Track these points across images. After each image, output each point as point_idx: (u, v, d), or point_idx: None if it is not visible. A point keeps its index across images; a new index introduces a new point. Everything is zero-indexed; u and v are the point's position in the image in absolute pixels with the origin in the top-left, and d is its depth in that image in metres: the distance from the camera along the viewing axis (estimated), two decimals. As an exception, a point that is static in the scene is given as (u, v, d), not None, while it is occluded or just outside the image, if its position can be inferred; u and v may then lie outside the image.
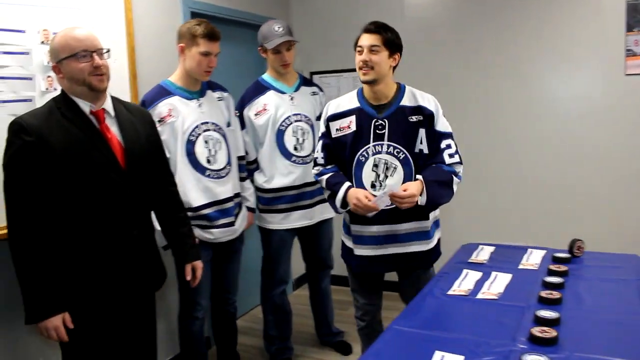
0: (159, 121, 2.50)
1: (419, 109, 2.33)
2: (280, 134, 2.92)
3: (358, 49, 2.32)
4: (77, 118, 1.91)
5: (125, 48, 2.84)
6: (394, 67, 2.37)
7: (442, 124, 2.35)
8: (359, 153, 2.34)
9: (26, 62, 2.31)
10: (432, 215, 2.44)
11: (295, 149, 2.95)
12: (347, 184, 2.37)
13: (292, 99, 2.97)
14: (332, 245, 3.25)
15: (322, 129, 2.49)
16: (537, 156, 3.83)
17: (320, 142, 2.49)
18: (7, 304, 2.25)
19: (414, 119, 2.32)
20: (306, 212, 3.03)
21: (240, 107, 2.94)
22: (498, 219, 3.98)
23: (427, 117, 2.33)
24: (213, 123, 2.67)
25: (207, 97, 2.71)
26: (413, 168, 2.33)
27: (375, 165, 2.33)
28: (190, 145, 2.58)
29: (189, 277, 2.25)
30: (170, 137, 2.55)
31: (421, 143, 2.33)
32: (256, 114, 2.92)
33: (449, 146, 2.34)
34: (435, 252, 2.52)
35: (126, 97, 2.78)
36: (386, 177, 2.33)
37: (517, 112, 3.86)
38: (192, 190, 2.59)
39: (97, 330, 1.99)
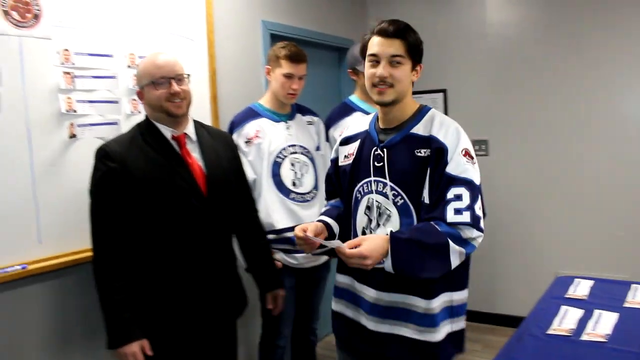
0: (246, 142, 2.49)
1: (428, 141, 1.69)
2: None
3: (371, 57, 1.72)
4: (159, 143, 1.92)
5: (207, 70, 2.85)
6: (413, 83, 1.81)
7: (456, 165, 1.65)
8: (355, 189, 1.84)
9: (113, 85, 2.34)
10: (447, 298, 1.75)
11: None
12: (322, 217, 1.92)
13: None
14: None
15: (332, 154, 2.04)
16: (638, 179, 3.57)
17: (327, 171, 2.09)
18: (92, 323, 2.24)
19: (421, 153, 1.69)
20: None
21: (326, 127, 2.88)
22: (593, 247, 3.73)
23: (436, 152, 1.66)
24: (301, 146, 2.62)
25: (296, 120, 2.67)
26: (415, 221, 1.70)
27: (368, 208, 1.78)
28: (276, 167, 2.54)
29: (270, 306, 2.20)
30: (257, 158, 2.52)
31: (426, 188, 1.70)
32: (340, 135, 2.85)
33: (458, 197, 1.63)
34: (444, 350, 1.75)
35: (207, 119, 2.79)
36: (378, 225, 1.75)
37: (607, 131, 3.63)
38: (277, 211, 2.52)
39: (178, 358, 1.95)
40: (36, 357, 2.11)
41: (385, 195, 1.73)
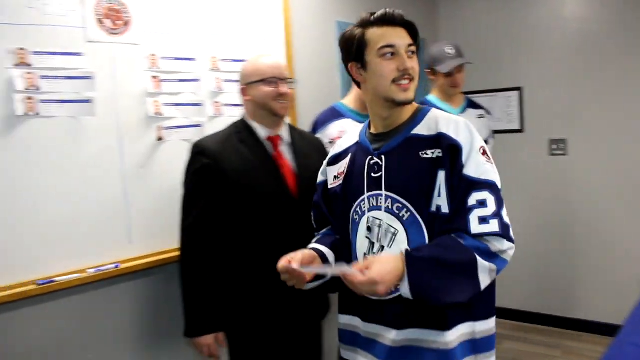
0: (330, 142, 2.49)
1: (437, 140, 1.44)
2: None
3: (386, 49, 1.46)
4: (253, 143, 1.95)
5: (284, 73, 2.87)
6: None
7: (476, 166, 1.40)
8: (352, 210, 1.55)
9: (197, 88, 2.39)
10: (467, 329, 1.45)
11: None
12: (313, 245, 1.64)
13: None
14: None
15: (319, 177, 1.75)
16: None
17: (314, 198, 1.77)
18: (180, 320, 2.30)
19: (428, 154, 1.43)
20: None
21: None
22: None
23: (449, 151, 1.41)
24: None
25: None
26: (426, 237, 1.42)
27: (369, 229, 1.50)
28: None
29: None
30: None
31: (439, 195, 1.41)
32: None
33: (482, 204, 1.37)
34: None
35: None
36: (382, 248, 1.47)
37: None
38: None
39: (263, 356, 1.97)
40: (129, 348, 2.20)
41: (388, 211, 1.46)
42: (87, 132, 2.05)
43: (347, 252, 1.58)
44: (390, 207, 1.45)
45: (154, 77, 2.24)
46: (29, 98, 1.91)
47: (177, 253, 1.96)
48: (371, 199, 1.49)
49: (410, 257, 1.33)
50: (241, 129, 1.98)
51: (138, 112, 2.20)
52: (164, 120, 2.27)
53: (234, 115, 2.46)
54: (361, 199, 1.51)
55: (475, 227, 1.36)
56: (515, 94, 4.08)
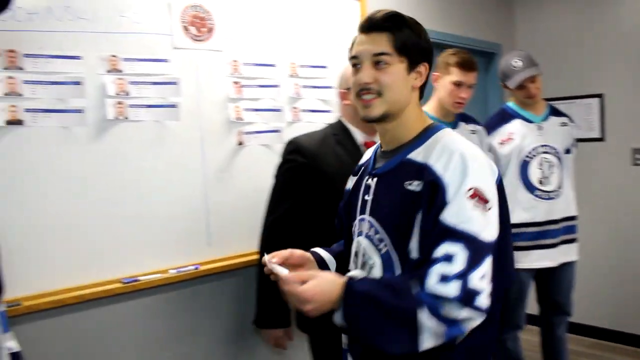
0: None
1: (421, 170, 1.22)
2: (524, 165, 2.71)
3: (353, 61, 1.32)
4: (350, 147, 1.93)
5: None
6: (422, 89, 1.34)
7: (457, 211, 1.15)
8: (352, 228, 1.43)
9: (276, 94, 2.41)
10: None
11: (540, 182, 2.71)
12: (316, 249, 1.51)
13: (539, 129, 2.75)
14: (573, 290, 2.91)
15: (347, 184, 1.53)
16: None
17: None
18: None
19: (412, 186, 1.23)
20: (548, 252, 2.74)
21: None
22: None
23: (430, 188, 1.19)
24: None
25: (460, 129, 2.58)
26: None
27: (356, 254, 1.38)
28: None
29: None
30: None
31: (413, 236, 1.22)
32: (500, 143, 2.76)
33: (448, 259, 1.13)
34: None
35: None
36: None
37: None
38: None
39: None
40: (205, 348, 2.25)
41: (370, 239, 1.31)
42: (171, 135, 2.11)
43: (347, 270, 1.43)
44: (372, 236, 1.31)
45: (236, 82, 2.28)
46: (119, 103, 1.98)
47: (256, 256, 1.98)
48: (361, 222, 1.35)
49: (350, 288, 1.16)
50: (338, 130, 1.97)
51: (220, 117, 2.24)
52: (245, 125, 2.31)
53: (312, 121, 2.48)
54: (357, 219, 1.38)
55: (431, 285, 1.12)
56: (595, 100, 3.92)
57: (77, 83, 1.90)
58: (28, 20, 1.81)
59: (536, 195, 2.70)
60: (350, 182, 1.50)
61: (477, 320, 1.15)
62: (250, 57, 2.34)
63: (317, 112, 2.59)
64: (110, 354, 1.99)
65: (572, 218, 2.77)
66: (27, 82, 1.81)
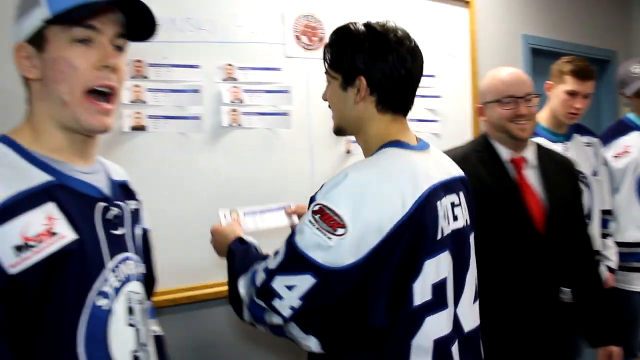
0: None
1: None
2: (641, 181, 2.53)
3: None
4: (494, 165, 1.76)
5: (469, 87, 2.79)
6: (385, 105, 1.24)
7: (302, 219, 1.16)
8: None
9: (384, 103, 2.39)
10: None
11: None
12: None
13: None
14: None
15: None
16: None
17: None
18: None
19: None
20: None
21: None
22: None
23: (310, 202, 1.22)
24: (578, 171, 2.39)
25: (574, 141, 2.42)
26: None
27: None
28: None
29: None
30: None
31: None
32: (615, 156, 2.58)
33: (275, 254, 1.18)
34: None
35: (469, 137, 2.71)
36: None
37: None
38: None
39: None
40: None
41: None
42: (281, 143, 2.14)
43: None
44: None
45: (343, 91, 2.28)
46: (234, 110, 2.03)
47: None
48: None
49: (233, 242, 1.35)
50: (482, 148, 1.80)
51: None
52: (353, 134, 2.30)
53: (419, 130, 2.42)
54: None
55: (259, 269, 1.17)
56: None
57: (196, 91, 1.96)
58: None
59: None
60: None
61: (274, 317, 1.14)
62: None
63: (424, 121, 2.55)
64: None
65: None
66: (150, 89, 1.90)
